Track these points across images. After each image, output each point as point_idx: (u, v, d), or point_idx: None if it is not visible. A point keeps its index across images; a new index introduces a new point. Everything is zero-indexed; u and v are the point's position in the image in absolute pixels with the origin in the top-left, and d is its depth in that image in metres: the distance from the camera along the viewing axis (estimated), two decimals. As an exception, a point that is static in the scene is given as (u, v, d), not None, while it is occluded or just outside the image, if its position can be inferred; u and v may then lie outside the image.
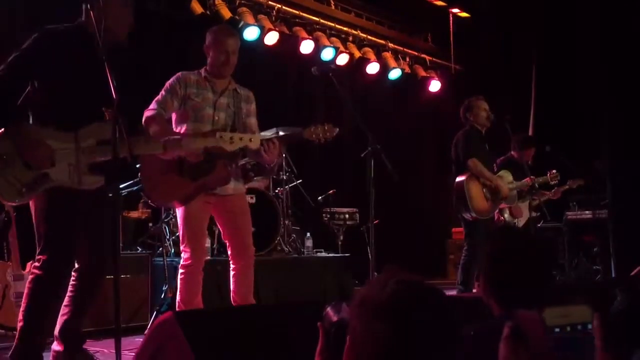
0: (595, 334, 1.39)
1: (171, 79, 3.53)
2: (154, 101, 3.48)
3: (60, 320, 2.90)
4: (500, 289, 1.69)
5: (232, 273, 3.54)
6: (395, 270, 1.22)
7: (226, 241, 3.60)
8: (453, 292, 5.07)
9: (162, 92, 3.50)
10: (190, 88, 3.48)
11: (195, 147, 3.14)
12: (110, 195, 2.99)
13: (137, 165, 4.24)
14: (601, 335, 1.39)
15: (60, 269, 2.81)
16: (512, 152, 5.69)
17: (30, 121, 2.83)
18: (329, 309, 1.47)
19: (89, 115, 2.80)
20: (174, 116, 3.53)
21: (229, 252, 3.57)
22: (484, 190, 4.99)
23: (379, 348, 1.15)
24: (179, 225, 3.53)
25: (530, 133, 7.86)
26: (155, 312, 4.21)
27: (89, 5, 2.68)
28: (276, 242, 5.49)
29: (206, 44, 3.57)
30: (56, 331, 2.91)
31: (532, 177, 5.19)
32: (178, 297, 3.43)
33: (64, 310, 2.91)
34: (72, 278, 2.91)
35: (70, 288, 2.91)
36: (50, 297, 2.81)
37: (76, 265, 2.92)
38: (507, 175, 5.19)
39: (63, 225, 2.78)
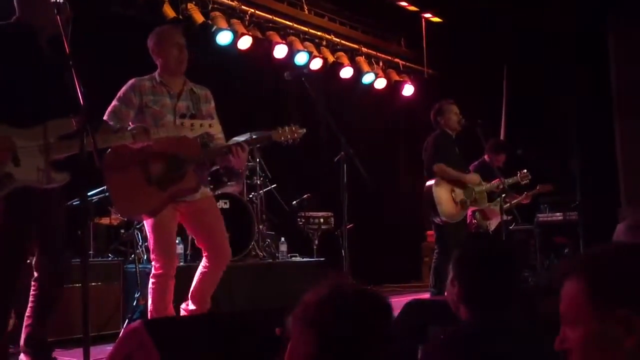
0: None
1: (124, 88, 3.44)
2: (107, 112, 3.37)
3: (24, 332, 2.86)
4: (466, 295, 1.71)
5: (201, 270, 3.48)
6: (334, 278, 1.24)
7: (200, 246, 3.56)
8: (426, 295, 5.12)
9: (115, 102, 3.40)
10: (146, 96, 3.41)
11: (159, 136, 3.10)
12: (80, 202, 2.94)
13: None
14: None
15: (12, 276, 2.75)
16: (485, 156, 5.77)
17: None
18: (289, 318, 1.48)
19: (44, 111, 2.75)
20: (131, 125, 3.39)
21: (205, 254, 3.51)
22: (453, 194, 5.05)
23: (308, 357, 1.17)
24: (148, 235, 3.47)
25: (501, 137, 7.97)
26: (127, 320, 4.16)
27: (55, 10, 2.64)
28: (250, 247, 5.46)
29: (152, 46, 3.51)
30: (21, 343, 2.85)
31: (501, 178, 5.28)
32: (150, 307, 3.38)
33: (26, 321, 2.86)
34: (32, 288, 2.87)
35: (30, 299, 2.86)
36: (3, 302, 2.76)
37: (35, 275, 2.87)
38: (476, 178, 5.27)
39: (18, 231, 2.74)
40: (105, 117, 3.34)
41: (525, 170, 5.71)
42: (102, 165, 3.14)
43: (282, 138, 3.47)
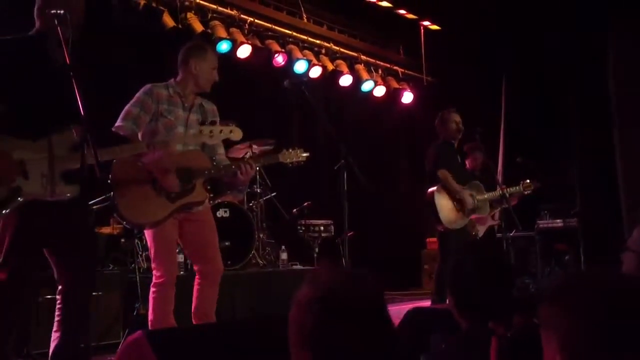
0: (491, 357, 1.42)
1: (140, 93, 3.43)
2: (123, 116, 3.36)
3: (52, 346, 2.82)
4: (464, 304, 1.71)
5: (196, 287, 3.47)
6: (320, 277, 1.21)
7: (192, 258, 3.56)
8: (427, 303, 5.11)
9: (132, 106, 3.38)
10: (162, 104, 3.42)
11: (175, 148, 3.13)
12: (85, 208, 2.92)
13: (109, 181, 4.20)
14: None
15: (20, 288, 2.72)
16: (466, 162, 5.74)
17: None
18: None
19: (55, 123, 2.73)
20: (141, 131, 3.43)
21: (196, 268, 3.51)
22: (454, 201, 5.04)
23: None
24: (149, 244, 3.46)
25: (501, 143, 7.97)
26: (127, 330, 4.14)
27: (56, 21, 2.64)
28: (251, 255, 5.46)
29: (190, 59, 3.50)
30: (50, 354, 2.83)
31: (503, 186, 5.26)
32: (150, 316, 3.37)
33: (54, 336, 2.82)
34: (58, 301, 2.84)
35: (57, 312, 2.83)
36: (8, 317, 2.73)
37: (59, 288, 2.84)
38: (478, 187, 5.25)
39: (27, 243, 2.71)
40: (120, 122, 3.33)
41: (528, 180, 5.60)
42: (109, 174, 3.16)
43: (288, 160, 3.56)
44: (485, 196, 5.23)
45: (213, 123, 3.21)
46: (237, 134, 3.19)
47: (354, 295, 1.18)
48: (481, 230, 5.39)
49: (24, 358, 3.04)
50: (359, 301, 1.17)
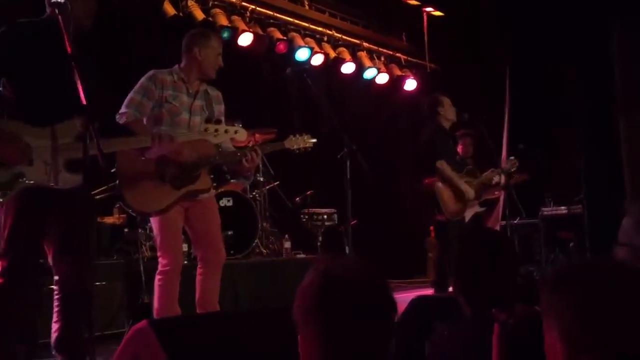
0: (493, 347, 1.41)
1: (143, 79, 3.43)
2: (126, 103, 3.36)
3: (52, 336, 2.81)
4: (469, 291, 1.71)
5: (198, 277, 3.48)
6: (323, 261, 1.22)
7: (196, 245, 3.55)
8: (432, 291, 5.11)
9: (135, 93, 3.39)
10: (166, 90, 3.41)
11: (182, 140, 3.12)
12: (87, 198, 2.92)
13: (113, 170, 4.20)
14: (497, 349, 1.41)
15: (22, 276, 2.71)
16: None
17: (5, 118, 2.75)
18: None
19: (62, 111, 2.72)
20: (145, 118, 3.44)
21: (199, 256, 3.51)
22: (455, 192, 4.99)
23: (319, 346, 1.15)
24: (155, 233, 3.47)
25: (505, 131, 7.93)
26: (131, 320, 4.16)
27: (57, 10, 2.63)
28: (254, 244, 5.46)
29: (194, 46, 3.49)
30: (53, 349, 2.82)
31: (493, 169, 5.19)
32: (156, 304, 3.38)
33: (54, 327, 2.81)
34: (55, 291, 2.82)
35: (55, 303, 2.81)
36: (10, 306, 2.71)
37: (56, 278, 2.83)
38: (473, 173, 5.19)
39: (28, 231, 2.70)
40: (123, 109, 3.34)
41: (513, 157, 5.51)
42: (113, 164, 3.16)
43: (295, 146, 3.54)
44: (481, 178, 5.15)
45: (218, 122, 3.19)
46: (241, 134, 3.18)
47: (354, 273, 1.20)
48: (468, 214, 5.31)
49: (29, 348, 3.04)
50: (358, 279, 1.19)
